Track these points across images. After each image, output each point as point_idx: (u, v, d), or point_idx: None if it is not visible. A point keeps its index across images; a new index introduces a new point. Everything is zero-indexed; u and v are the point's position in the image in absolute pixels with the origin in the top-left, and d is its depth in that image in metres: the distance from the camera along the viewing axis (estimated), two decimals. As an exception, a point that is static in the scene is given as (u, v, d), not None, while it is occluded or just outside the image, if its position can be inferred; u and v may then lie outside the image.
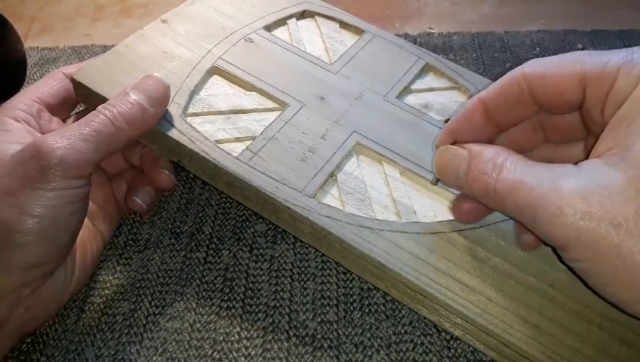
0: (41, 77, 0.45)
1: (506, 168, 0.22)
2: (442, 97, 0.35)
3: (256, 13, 0.38)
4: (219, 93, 0.33)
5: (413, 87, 0.35)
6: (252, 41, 0.36)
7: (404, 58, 0.37)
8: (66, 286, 0.28)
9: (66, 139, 0.25)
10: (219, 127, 0.31)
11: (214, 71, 0.34)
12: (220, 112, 0.32)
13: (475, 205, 0.26)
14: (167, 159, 0.32)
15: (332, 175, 0.30)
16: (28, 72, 0.44)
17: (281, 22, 0.38)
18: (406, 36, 0.50)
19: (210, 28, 0.36)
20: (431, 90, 0.36)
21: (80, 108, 0.35)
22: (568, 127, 0.25)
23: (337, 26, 0.39)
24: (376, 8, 0.54)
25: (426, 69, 0.37)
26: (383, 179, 0.30)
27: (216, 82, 0.34)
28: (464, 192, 0.26)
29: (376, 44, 0.37)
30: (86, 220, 0.31)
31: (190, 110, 0.32)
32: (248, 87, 0.34)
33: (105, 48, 0.50)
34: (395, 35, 0.50)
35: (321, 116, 0.32)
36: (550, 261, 0.26)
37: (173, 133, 0.30)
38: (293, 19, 0.39)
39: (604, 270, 0.20)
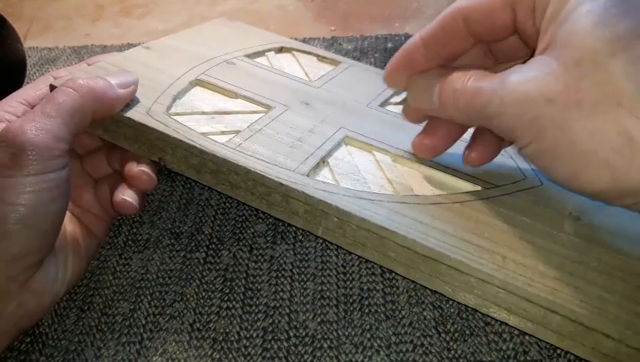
0: (40, 77, 0.45)
1: (470, 80, 0.25)
2: None
3: (236, 47, 0.39)
4: (203, 98, 0.33)
5: (392, 100, 0.36)
6: (234, 64, 0.37)
7: (382, 80, 0.38)
8: (60, 280, 0.28)
9: (31, 121, 0.25)
10: (203, 124, 0.31)
11: (197, 83, 0.34)
12: (204, 113, 0.32)
13: (435, 140, 0.28)
14: (147, 161, 0.31)
15: (323, 160, 0.29)
16: (27, 72, 0.44)
17: (261, 53, 0.40)
18: (406, 36, 0.50)
19: (191, 54, 0.37)
20: None
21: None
22: (513, 49, 0.27)
23: (315, 58, 0.40)
24: (376, 8, 0.54)
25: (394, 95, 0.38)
26: (376, 165, 0.30)
27: (199, 91, 0.34)
28: (437, 114, 0.27)
29: (354, 70, 0.39)
30: (76, 218, 0.31)
31: (173, 110, 0.32)
32: (232, 94, 0.34)
33: (104, 48, 0.50)
34: (396, 35, 0.50)
35: (308, 116, 0.32)
36: (557, 226, 0.26)
37: (156, 125, 0.29)
38: (272, 52, 0.40)
39: (547, 146, 0.21)
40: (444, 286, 0.25)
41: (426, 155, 0.29)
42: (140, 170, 0.30)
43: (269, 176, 0.27)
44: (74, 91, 0.26)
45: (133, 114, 0.30)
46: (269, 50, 0.40)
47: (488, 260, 0.24)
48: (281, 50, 0.41)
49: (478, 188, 0.29)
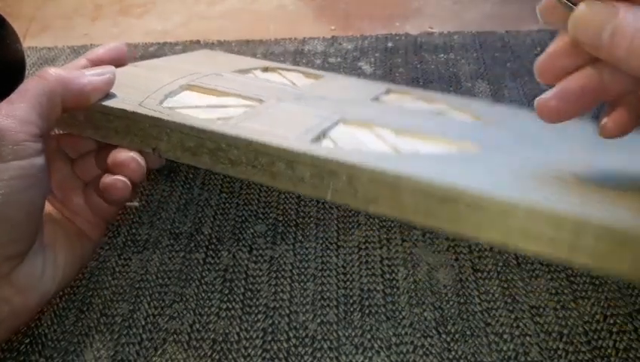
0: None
1: None
2: (413, 104, 0.36)
3: (223, 66, 0.39)
4: (194, 97, 0.33)
5: (382, 98, 0.36)
6: (222, 75, 0.37)
7: (369, 84, 0.39)
8: (50, 277, 0.27)
9: None
10: (198, 113, 0.31)
11: (187, 87, 0.34)
12: (198, 106, 0.32)
13: (563, 104, 0.24)
14: (136, 152, 0.30)
15: (324, 134, 0.29)
16: (27, 71, 0.44)
17: (247, 71, 0.40)
18: (406, 35, 0.50)
19: (180, 69, 0.37)
20: (400, 101, 0.37)
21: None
22: None
23: (301, 75, 0.41)
24: (377, 8, 0.53)
25: (389, 91, 0.38)
26: (378, 138, 0.29)
27: (190, 93, 0.34)
28: (598, 54, 0.23)
29: (340, 78, 0.39)
30: (68, 220, 0.30)
31: (165, 105, 0.31)
32: (223, 94, 0.34)
33: (104, 48, 0.50)
34: (396, 34, 0.50)
35: (302, 105, 0.32)
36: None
37: (150, 113, 0.29)
38: (258, 70, 0.40)
39: None
40: (466, 227, 0.23)
41: (548, 118, 0.25)
42: (128, 155, 0.29)
43: (272, 144, 0.26)
44: (41, 79, 0.26)
45: (125, 105, 0.29)
46: (255, 68, 0.40)
47: (507, 192, 0.23)
48: (266, 69, 0.41)
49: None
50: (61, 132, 0.32)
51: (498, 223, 0.23)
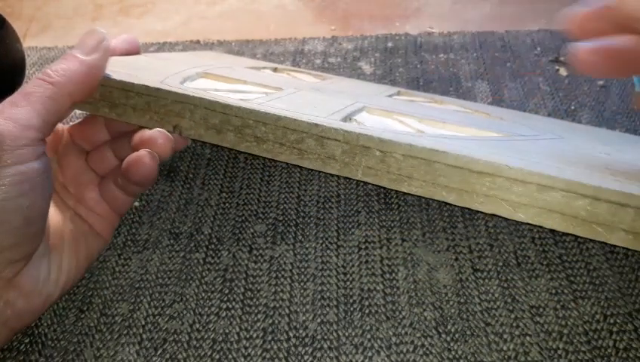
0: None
1: None
2: (427, 104, 0.36)
3: (235, 63, 0.40)
4: (213, 83, 0.33)
5: (395, 97, 0.36)
6: (235, 70, 0.37)
7: (381, 86, 0.39)
8: (53, 281, 0.27)
9: None
10: (221, 95, 0.30)
11: (204, 75, 0.34)
12: (218, 90, 0.31)
13: (605, 61, 0.23)
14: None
15: (349, 117, 0.28)
16: (26, 71, 0.44)
17: (258, 69, 0.40)
18: (406, 35, 0.50)
19: (191, 61, 0.37)
20: (412, 101, 0.37)
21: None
22: None
23: (310, 76, 0.41)
24: (377, 8, 0.54)
25: (400, 93, 0.38)
26: (402, 123, 0.29)
27: (207, 80, 0.33)
28: None
29: (351, 80, 0.40)
30: (80, 217, 0.30)
31: (185, 85, 0.31)
32: (241, 82, 0.33)
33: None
34: (396, 34, 0.50)
35: (322, 94, 0.32)
36: None
37: (173, 88, 0.28)
38: (268, 70, 0.40)
39: None
40: (502, 205, 0.23)
41: (584, 68, 0.24)
42: (155, 131, 0.28)
43: (303, 120, 0.25)
44: (45, 82, 0.25)
45: (147, 82, 0.28)
46: (265, 68, 0.40)
47: (545, 168, 0.22)
48: (275, 69, 0.41)
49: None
50: (75, 121, 0.32)
51: (536, 199, 0.22)
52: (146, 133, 0.28)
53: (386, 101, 0.33)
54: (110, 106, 0.29)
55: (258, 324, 0.29)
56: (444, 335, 0.28)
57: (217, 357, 0.28)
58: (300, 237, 0.33)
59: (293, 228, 0.34)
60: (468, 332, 0.28)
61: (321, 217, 0.34)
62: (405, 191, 0.25)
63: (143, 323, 0.29)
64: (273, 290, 0.31)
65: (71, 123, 0.33)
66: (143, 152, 0.27)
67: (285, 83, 0.34)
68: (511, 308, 0.29)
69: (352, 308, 0.30)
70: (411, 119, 0.29)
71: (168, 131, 0.28)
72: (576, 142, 0.30)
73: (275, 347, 0.28)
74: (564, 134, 0.32)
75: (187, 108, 0.27)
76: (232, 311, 0.30)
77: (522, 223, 0.33)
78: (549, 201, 0.22)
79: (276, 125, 0.26)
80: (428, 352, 0.28)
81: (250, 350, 0.28)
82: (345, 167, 0.25)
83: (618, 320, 0.28)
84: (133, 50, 0.33)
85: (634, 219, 0.21)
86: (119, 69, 0.30)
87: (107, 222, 0.31)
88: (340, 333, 0.29)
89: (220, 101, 0.27)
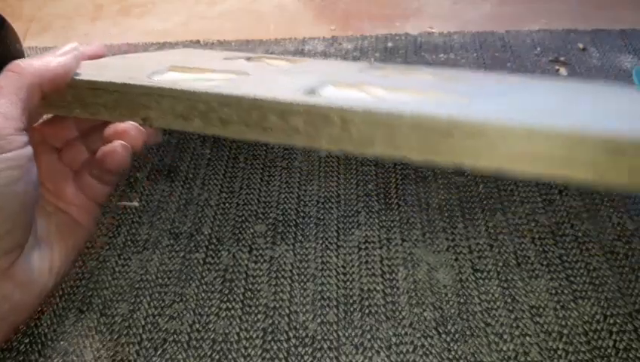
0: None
1: None
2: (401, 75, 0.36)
3: (207, 56, 0.40)
4: (180, 75, 0.34)
5: (368, 71, 0.36)
6: (203, 60, 0.37)
7: (355, 63, 0.39)
8: (47, 270, 0.27)
9: None
10: (185, 84, 0.31)
11: (172, 68, 0.34)
12: (185, 80, 0.32)
13: None
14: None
15: (312, 91, 0.29)
16: (27, 71, 0.44)
17: (232, 59, 0.40)
18: (406, 35, 0.50)
19: (162, 58, 0.37)
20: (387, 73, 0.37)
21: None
22: None
23: (286, 62, 0.41)
24: (377, 8, 0.53)
25: (375, 67, 0.38)
26: (368, 94, 0.29)
27: (175, 73, 0.34)
28: None
29: (325, 61, 0.40)
30: (62, 211, 0.31)
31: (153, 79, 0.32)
32: (209, 70, 0.34)
33: (104, 48, 0.50)
34: (396, 34, 0.50)
35: (289, 76, 0.32)
36: None
37: (139, 82, 0.29)
38: (242, 60, 0.41)
39: None
40: (465, 156, 0.23)
41: None
42: (127, 124, 0.29)
43: (264, 97, 0.26)
44: (15, 73, 0.26)
45: (114, 79, 0.30)
46: (239, 58, 0.41)
47: (504, 119, 0.22)
48: (249, 59, 0.42)
49: None
50: (44, 118, 0.32)
51: (498, 148, 0.23)
52: (119, 125, 0.29)
53: (356, 75, 0.33)
54: (82, 106, 0.30)
55: (258, 324, 0.29)
56: (444, 336, 0.28)
57: (217, 357, 0.28)
58: (300, 238, 0.33)
59: (293, 228, 0.34)
60: (468, 333, 0.28)
61: (321, 217, 0.34)
62: (370, 155, 0.25)
63: (143, 323, 0.29)
64: (273, 290, 0.31)
65: (40, 121, 0.33)
66: (116, 143, 0.29)
67: (254, 69, 0.34)
68: (511, 308, 0.29)
69: (352, 309, 0.30)
70: (377, 89, 0.30)
71: (139, 124, 0.30)
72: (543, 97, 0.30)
73: (275, 347, 0.28)
74: (522, 93, 0.32)
75: (153, 100, 0.28)
76: (232, 312, 0.30)
77: (522, 223, 0.33)
78: (510, 150, 0.23)
79: (239, 105, 0.27)
80: (428, 352, 0.28)
81: (250, 350, 0.28)
82: (309, 138, 0.26)
83: (618, 321, 0.28)
84: (101, 55, 0.34)
85: (593, 158, 0.21)
86: (88, 71, 0.31)
87: (87, 212, 0.32)
88: (340, 333, 0.29)
89: (184, 88, 0.28)
